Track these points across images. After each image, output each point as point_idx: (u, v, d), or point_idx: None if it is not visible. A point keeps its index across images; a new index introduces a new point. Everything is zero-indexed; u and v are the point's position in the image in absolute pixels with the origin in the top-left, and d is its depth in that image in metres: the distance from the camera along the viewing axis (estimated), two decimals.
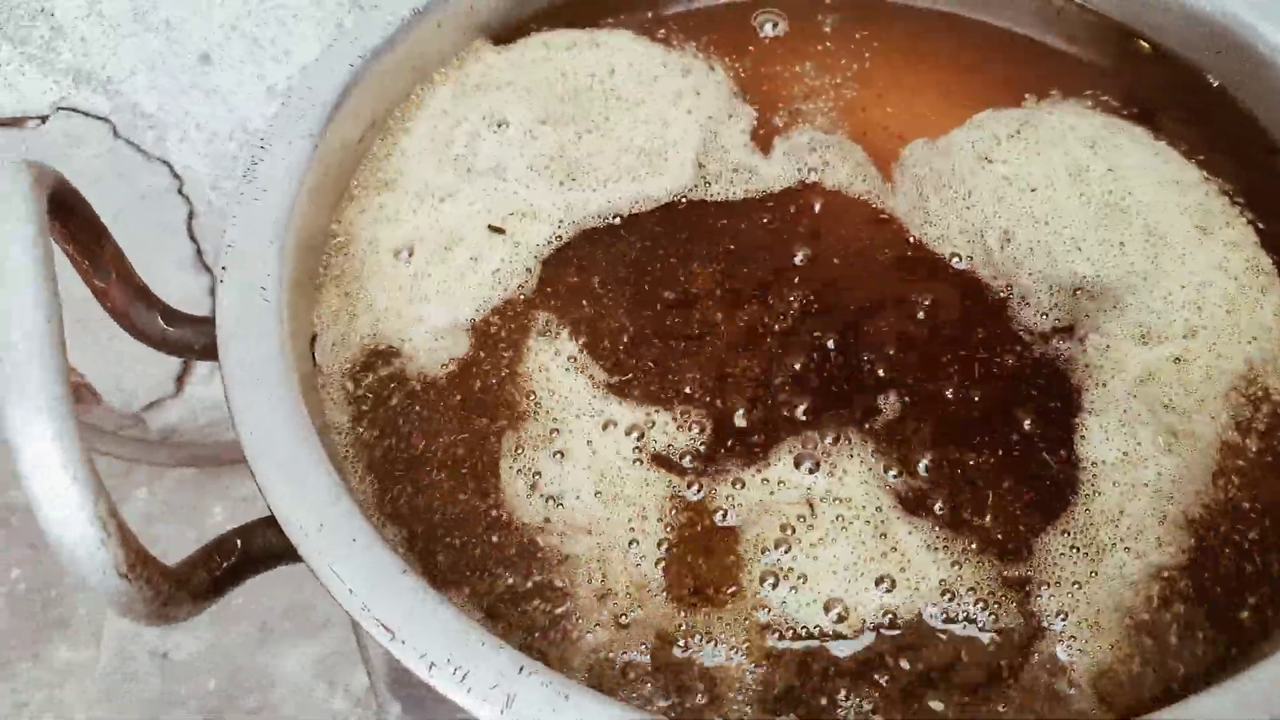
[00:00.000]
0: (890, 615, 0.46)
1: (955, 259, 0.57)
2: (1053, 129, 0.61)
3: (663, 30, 0.69)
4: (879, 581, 0.46)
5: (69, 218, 0.45)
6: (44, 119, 0.99)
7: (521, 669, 0.38)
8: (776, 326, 0.55)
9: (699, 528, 0.48)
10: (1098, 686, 0.44)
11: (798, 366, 0.54)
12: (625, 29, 0.68)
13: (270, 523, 0.43)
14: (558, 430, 0.51)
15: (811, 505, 0.48)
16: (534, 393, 0.53)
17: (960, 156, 0.61)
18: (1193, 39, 0.66)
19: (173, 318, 0.51)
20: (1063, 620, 0.45)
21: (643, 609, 0.46)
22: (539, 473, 0.50)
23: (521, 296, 0.57)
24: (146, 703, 1.24)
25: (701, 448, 0.51)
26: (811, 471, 0.50)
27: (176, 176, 1.09)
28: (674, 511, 0.49)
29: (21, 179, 0.41)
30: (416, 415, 0.53)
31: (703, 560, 0.47)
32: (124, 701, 1.24)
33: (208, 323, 0.51)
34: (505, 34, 0.69)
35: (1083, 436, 0.51)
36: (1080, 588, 0.46)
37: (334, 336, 0.55)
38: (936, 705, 0.43)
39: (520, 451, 0.51)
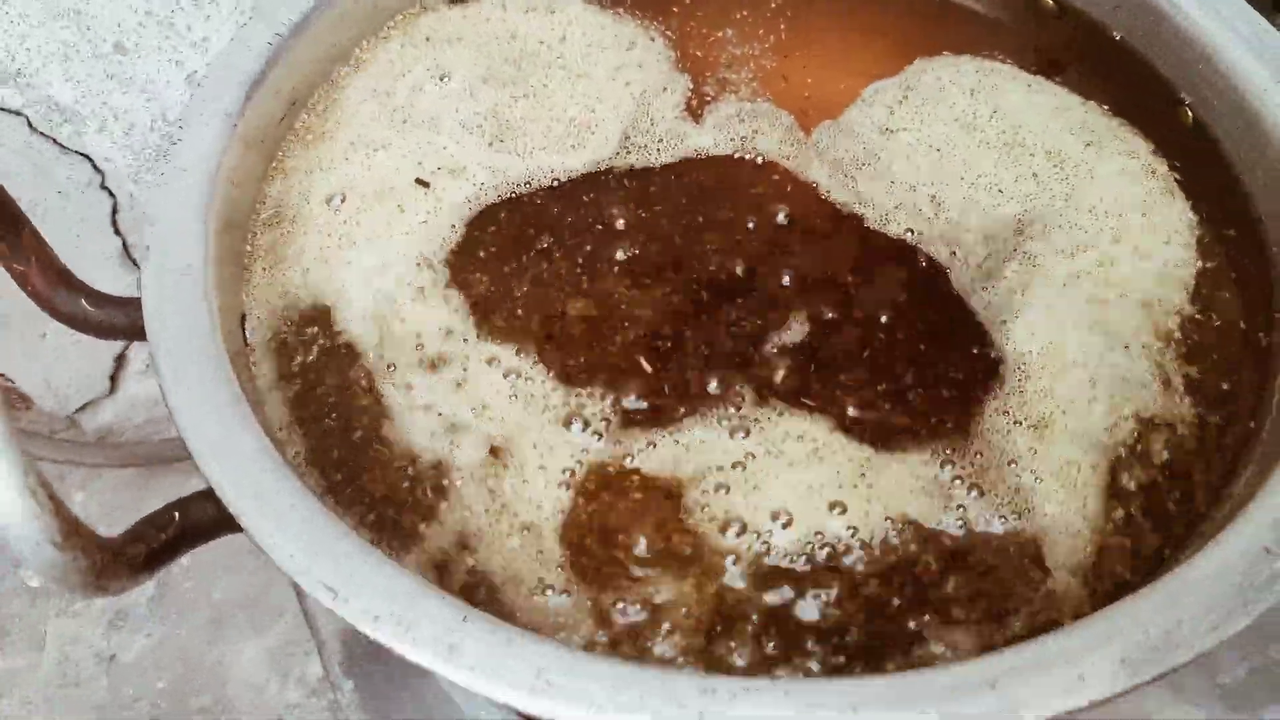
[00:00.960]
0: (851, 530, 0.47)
1: (909, 234, 0.58)
2: (932, 86, 0.63)
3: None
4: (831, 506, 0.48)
5: None
6: None
7: (465, 618, 0.39)
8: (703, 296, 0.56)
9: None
10: (1070, 563, 0.46)
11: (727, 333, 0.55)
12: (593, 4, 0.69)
13: (208, 495, 0.43)
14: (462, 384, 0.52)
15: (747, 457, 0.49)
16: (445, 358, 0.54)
17: (864, 133, 0.62)
18: None
19: (97, 299, 0.51)
20: (1019, 494, 0.48)
21: (580, 550, 0.47)
22: (440, 412, 0.51)
23: (441, 251, 0.58)
24: (95, 708, 1.22)
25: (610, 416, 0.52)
26: (741, 432, 0.51)
27: (98, 170, 1.07)
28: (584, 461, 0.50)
29: None
30: (339, 374, 0.53)
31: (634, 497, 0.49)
32: (70, 707, 1.22)
33: (133, 303, 0.50)
34: None
35: (1008, 337, 0.53)
36: (1033, 456, 0.49)
37: (262, 312, 0.55)
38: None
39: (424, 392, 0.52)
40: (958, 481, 0.49)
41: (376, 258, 0.58)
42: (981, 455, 0.50)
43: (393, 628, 0.39)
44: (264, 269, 0.57)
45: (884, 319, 0.54)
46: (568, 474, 0.49)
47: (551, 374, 0.53)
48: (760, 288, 0.56)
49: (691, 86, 0.65)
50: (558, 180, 0.61)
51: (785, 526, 0.47)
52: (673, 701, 0.36)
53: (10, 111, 0.98)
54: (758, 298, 0.55)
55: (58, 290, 0.49)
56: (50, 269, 0.49)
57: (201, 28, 0.99)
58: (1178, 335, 0.53)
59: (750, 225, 0.59)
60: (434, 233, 0.59)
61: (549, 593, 0.46)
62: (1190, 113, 0.61)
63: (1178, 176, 0.59)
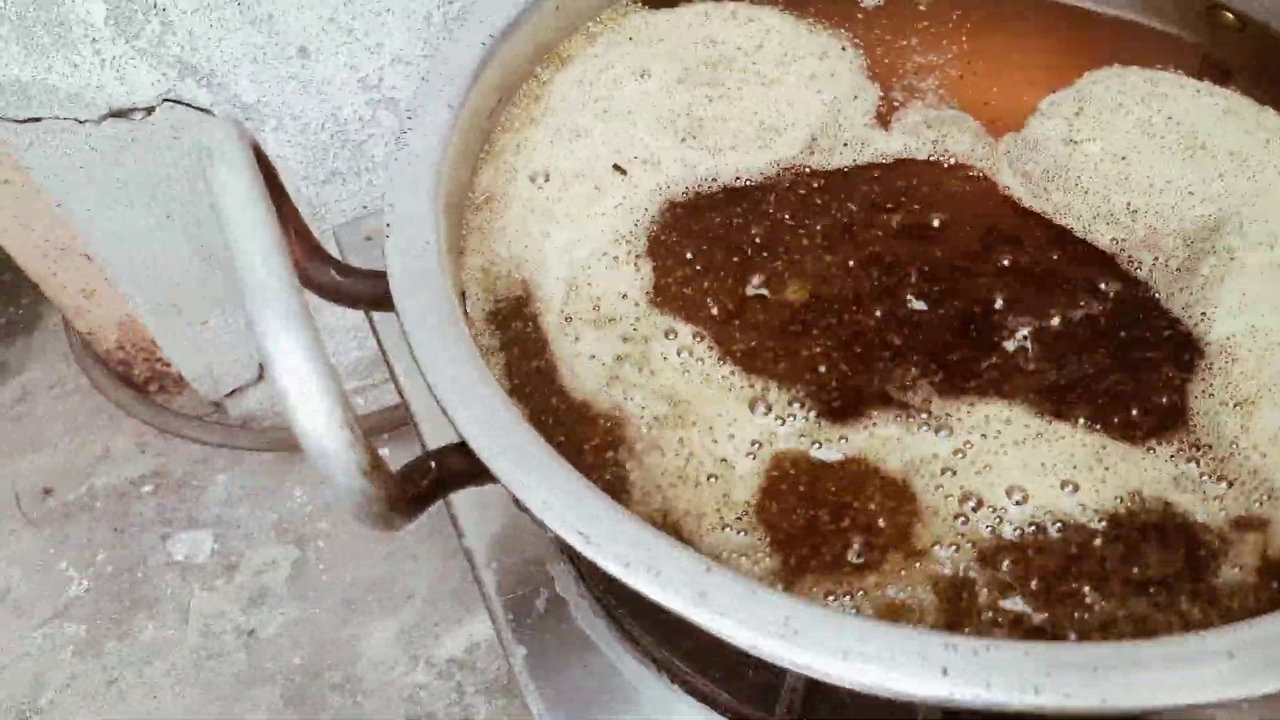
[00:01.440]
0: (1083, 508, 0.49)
1: (1113, 243, 0.60)
2: (1104, 97, 0.65)
3: (807, 9, 0.72)
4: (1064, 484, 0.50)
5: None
6: (150, 110, 1.04)
7: (709, 569, 0.42)
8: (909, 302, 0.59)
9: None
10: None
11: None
12: (778, 7, 0.73)
13: (460, 447, 0.47)
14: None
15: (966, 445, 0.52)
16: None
17: (1049, 145, 0.64)
18: (1275, 6, 0.69)
19: (345, 270, 0.55)
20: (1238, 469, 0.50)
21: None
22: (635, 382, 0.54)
23: (634, 232, 0.61)
24: (233, 678, 1.28)
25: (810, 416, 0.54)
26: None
27: None
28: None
29: (233, 131, 0.45)
30: (539, 343, 0.57)
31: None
32: (211, 678, 1.28)
33: (379, 275, 0.55)
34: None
35: (1210, 327, 0.55)
36: (1245, 434, 0.50)
37: (477, 289, 0.59)
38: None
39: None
40: (1179, 458, 0.50)
41: (575, 233, 0.62)
42: (1196, 434, 0.51)
43: (644, 572, 0.42)
44: (475, 248, 0.61)
45: (1089, 322, 0.56)
46: (756, 447, 0.52)
47: (737, 358, 0.56)
48: (961, 290, 0.58)
49: (881, 95, 0.68)
50: (746, 179, 0.64)
51: (1020, 503, 0.49)
52: (917, 655, 0.39)
53: (199, 109, 1.05)
54: (959, 298, 0.58)
55: (313, 260, 0.54)
56: (307, 240, 0.54)
57: (377, 33, 1.05)
58: None
59: (945, 225, 0.61)
60: (627, 215, 0.63)
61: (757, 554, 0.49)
62: None
63: None
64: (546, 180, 0.64)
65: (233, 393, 1.40)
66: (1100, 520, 0.49)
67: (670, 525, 0.51)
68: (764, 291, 0.60)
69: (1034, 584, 0.48)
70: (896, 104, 0.67)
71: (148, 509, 1.40)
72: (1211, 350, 0.55)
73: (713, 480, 0.52)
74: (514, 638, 0.72)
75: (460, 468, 0.47)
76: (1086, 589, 0.47)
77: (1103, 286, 0.58)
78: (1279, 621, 0.39)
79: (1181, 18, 0.72)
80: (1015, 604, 0.47)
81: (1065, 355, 0.55)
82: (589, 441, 0.54)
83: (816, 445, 0.53)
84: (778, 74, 0.68)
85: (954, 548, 0.49)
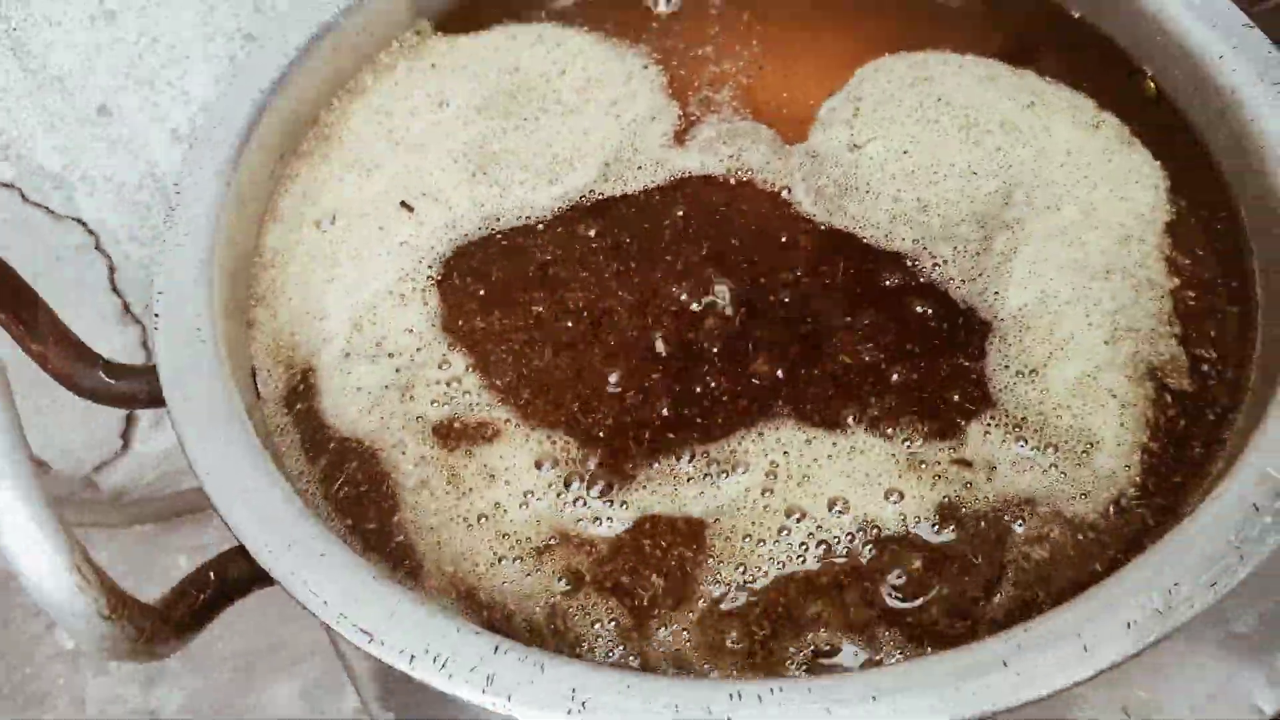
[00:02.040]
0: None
1: (915, 244, 0.59)
2: (876, 92, 0.65)
3: (607, 26, 0.71)
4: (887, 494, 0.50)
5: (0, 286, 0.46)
6: None
7: (497, 648, 0.41)
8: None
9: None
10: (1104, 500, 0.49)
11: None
12: (586, 29, 0.71)
13: (240, 552, 0.45)
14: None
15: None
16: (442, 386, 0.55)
17: (835, 154, 0.63)
18: None
19: (115, 371, 0.52)
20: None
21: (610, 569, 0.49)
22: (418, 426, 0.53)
23: (418, 273, 0.60)
24: None
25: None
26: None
27: (91, 233, 1.08)
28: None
29: None
30: (323, 388, 0.56)
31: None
32: None
33: (150, 372, 0.52)
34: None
35: (1003, 302, 0.56)
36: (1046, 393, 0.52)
37: (268, 361, 0.57)
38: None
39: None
40: (994, 439, 0.51)
41: (359, 273, 0.60)
42: (1005, 410, 0.52)
43: (429, 664, 0.41)
44: (264, 319, 0.59)
45: (895, 329, 0.56)
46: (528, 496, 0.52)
47: (508, 397, 0.55)
48: (760, 313, 0.57)
49: (680, 112, 0.66)
50: (533, 216, 0.62)
51: (841, 514, 0.49)
52: (702, 708, 0.38)
53: (3, 185, 1.00)
54: (758, 322, 0.57)
55: (76, 366, 0.51)
56: (67, 346, 0.51)
57: (180, 82, 1.01)
58: (1158, 269, 0.56)
59: (739, 248, 0.60)
60: (412, 254, 0.61)
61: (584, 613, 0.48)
62: (1153, 84, 0.63)
63: (1143, 137, 0.61)
64: (333, 223, 0.62)
65: (100, 468, 1.34)
66: (926, 523, 0.49)
67: (447, 566, 0.50)
68: (541, 331, 0.58)
69: (851, 601, 0.48)
70: (694, 119, 0.66)
71: (30, 599, 1.34)
72: (1005, 325, 0.55)
73: (483, 520, 0.51)
74: (380, 707, 0.71)
75: (243, 573, 0.45)
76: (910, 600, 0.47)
77: (903, 290, 0.57)
78: (1043, 623, 0.39)
79: None
80: (822, 633, 0.47)
81: (871, 367, 0.54)
82: (354, 482, 0.53)
83: (593, 503, 0.51)
84: (578, 101, 0.67)
85: (750, 579, 0.48)
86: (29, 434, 1.29)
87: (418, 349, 0.57)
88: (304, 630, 1.28)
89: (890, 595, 0.47)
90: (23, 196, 1.00)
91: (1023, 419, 0.52)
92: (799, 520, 0.49)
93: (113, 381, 0.52)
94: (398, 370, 0.56)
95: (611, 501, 0.51)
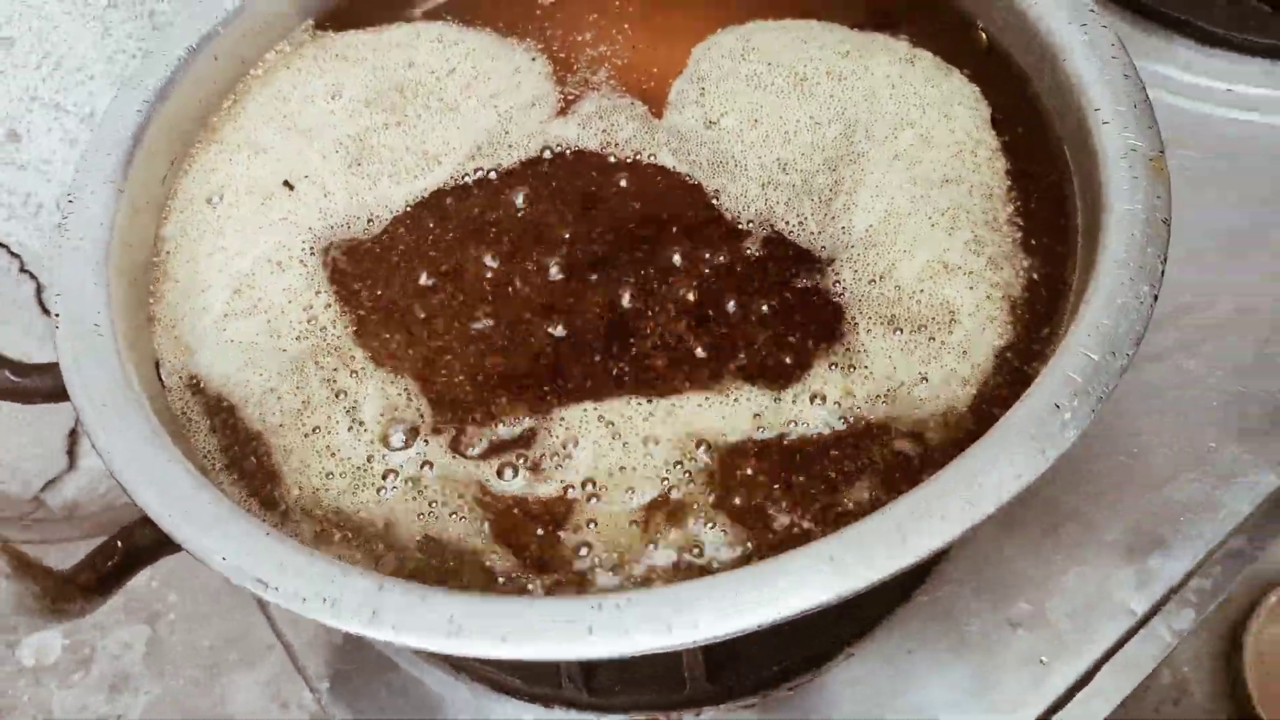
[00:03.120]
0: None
1: (787, 206, 0.63)
2: (712, 69, 0.69)
3: (499, 24, 0.74)
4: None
5: None
6: None
7: (381, 586, 0.44)
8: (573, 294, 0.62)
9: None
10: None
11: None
12: (482, 26, 0.74)
13: (146, 522, 0.48)
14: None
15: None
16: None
17: (694, 133, 0.67)
18: None
19: (19, 369, 0.55)
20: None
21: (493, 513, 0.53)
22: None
23: (298, 245, 0.64)
24: None
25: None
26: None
27: (14, 255, 1.10)
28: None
29: None
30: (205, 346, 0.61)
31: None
32: None
33: (53, 367, 0.55)
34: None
35: (850, 231, 0.60)
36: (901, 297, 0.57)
37: (170, 352, 0.60)
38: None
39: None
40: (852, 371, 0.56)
41: (242, 243, 0.64)
42: (864, 313, 0.57)
43: (320, 605, 0.44)
44: (163, 313, 0.62)
45: (761, 291, 0.60)
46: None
47: (377, 356, 0.59)
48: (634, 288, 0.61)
49: (560, 96, 0.70)
50: (399, 211, 0.66)
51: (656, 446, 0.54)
52: (566, 620, 0.42)
53: None
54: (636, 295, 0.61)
55: None
56: None
57: (87, 103, 1.03)
58: (989, 172, 0.62)
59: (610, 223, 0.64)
60: (293, 228, 0.65)
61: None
62: (984, 35, 0.68)
63: (958, 64, 0.67)
64: (221, 199, 0.67)
65: (47, 486, 1.36)
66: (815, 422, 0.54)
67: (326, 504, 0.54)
68: (411, 296, 0.62)
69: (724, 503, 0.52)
70: (572, 99, 0.70)
71: None
72: (855, 249, 0.60)
73: (317, 432, 0.56)
74: (316, 673, 0.74)
75: (149, 540, 0.49)
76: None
77: (763, 252, 0.61)
78: (866, 522, 0.44)
79: None
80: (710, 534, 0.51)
81: (734, 332, 0.58)
82: (237, 434, 0.57)
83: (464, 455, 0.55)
84: (460, 99, 0.70)
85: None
86: None
87: (289, 301, 0.62)
88: (265, 623, 1.31)
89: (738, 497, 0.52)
90: None
91: (890, 316, 0.57)
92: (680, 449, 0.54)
93: (17, 379, 0.55)
94: (269, 321, 0.61)
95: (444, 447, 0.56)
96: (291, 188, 0.66)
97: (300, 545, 0.47)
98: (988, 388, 0.54)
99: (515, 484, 0.54)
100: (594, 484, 0.53)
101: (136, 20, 1.01)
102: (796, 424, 0.54)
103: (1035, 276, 0.57)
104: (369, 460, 0.55)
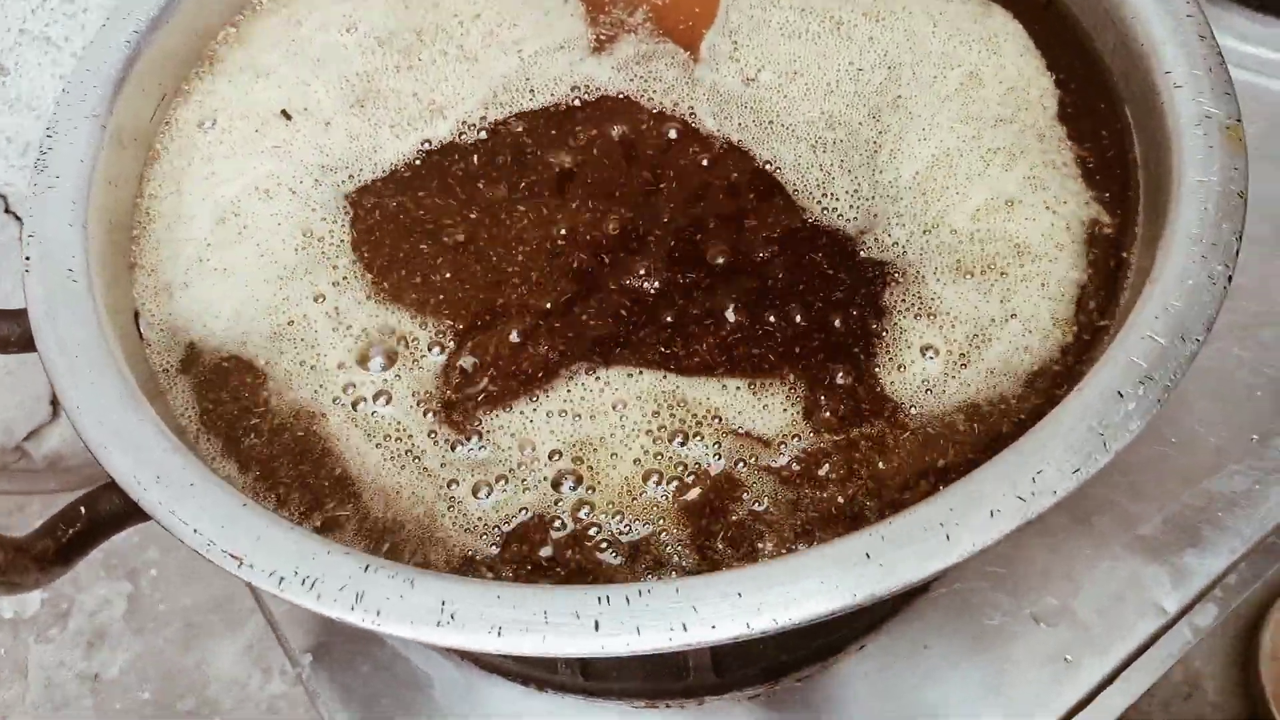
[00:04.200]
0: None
1: (840, 166, 0.58)
2: (742, 15, 0.64)
3: None
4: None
5: None
6: None
7: (366, 567, 0.40)
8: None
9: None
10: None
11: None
12: None
13: (112, 487, 0.44)
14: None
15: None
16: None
17: (731, 92, 0.62)
18: None
19: None
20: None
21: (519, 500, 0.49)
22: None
23: (289, 176, 0.60)
24: None
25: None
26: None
27: (0, 196, 1.06)
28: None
29: None
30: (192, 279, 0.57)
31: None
32: None
33: (22, 314, 0.51)
34: None
35: (898, 175, 0.56)
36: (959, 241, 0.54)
37: (153, 303, 0.56)
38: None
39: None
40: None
41: (232, 170, 0.61)
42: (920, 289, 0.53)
43: (298, 586, 0.40)
44: (148, 260, 0.58)
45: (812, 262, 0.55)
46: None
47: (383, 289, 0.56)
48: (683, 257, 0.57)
49: (592, 37, 0.65)
50: (391, 161, 0.61)
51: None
52: (570, 613, 0.38)
53: None
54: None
55: None
56: None
57: (78, 36, 0.98)
58: (1040, 110, 0.58)
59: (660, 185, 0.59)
60: (285, 158, 0.61)
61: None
62: None
63: (1034, 36, 0.62)
64: (214, 124, 0.63)
65: (30, 435, 1.32)
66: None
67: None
68: (414, 228, 0.58)
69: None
70: (604, 39, 0.65)
71: None
72: (904, 201, 0.55)
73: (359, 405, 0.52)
74: (298, 645, 0.70)
75: (115, 507, 0.45)
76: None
77: (818, 219, 0.57)
78: (906, 517, 0.40)
79: None
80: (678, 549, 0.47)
81: (787, 304, 0.54)
82: (232, 377, 0.53)
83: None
84: (480, 48, 0.65)
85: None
86: None
87: (277, 226, 0.58)
88: (246, 588, 1.27)
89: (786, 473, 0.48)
90: None
91: (956, 262, 0.53)
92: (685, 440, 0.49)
93: None
94: (257, 245, 0.57)
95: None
96: (289, 118, 0.62)
97: (279, 519, 0.43)
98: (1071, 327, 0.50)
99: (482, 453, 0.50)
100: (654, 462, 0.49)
101: None
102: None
103: (1101, 216, 0.53)
104: (345, 388, 0.52)
